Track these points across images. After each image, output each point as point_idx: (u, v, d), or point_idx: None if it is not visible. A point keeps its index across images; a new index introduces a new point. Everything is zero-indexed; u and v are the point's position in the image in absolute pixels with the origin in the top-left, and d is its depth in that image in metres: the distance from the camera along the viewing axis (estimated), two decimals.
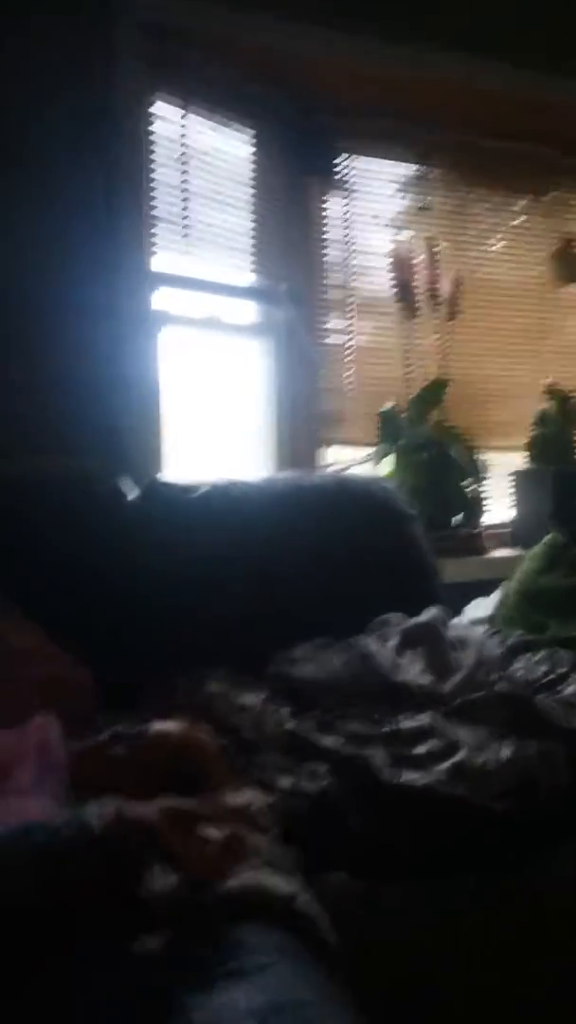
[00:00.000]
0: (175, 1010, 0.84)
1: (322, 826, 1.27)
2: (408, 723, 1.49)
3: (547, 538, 2.31)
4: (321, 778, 1.34)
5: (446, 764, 1.38)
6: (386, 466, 2.83)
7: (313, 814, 1.28)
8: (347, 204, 2.92)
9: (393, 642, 1.76)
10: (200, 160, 2.50)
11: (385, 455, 2.81)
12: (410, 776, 1.35)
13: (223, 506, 1.98)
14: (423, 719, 1.51)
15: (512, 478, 3.07)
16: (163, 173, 2.39)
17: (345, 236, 2.92)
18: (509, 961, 1.24)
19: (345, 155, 2.87)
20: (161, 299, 2.42)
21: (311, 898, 1.07)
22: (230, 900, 1.03)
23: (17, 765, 1.16)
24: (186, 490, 1.99)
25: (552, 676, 1.72)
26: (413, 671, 1.67)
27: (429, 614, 1.90)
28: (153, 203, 2.36)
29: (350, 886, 1.17)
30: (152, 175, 2.36)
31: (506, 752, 1.42)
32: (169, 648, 1.75)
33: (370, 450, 2.89)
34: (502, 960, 1.21)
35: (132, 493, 1.97)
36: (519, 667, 1.77)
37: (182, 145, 2.45)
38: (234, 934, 0.98)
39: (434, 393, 2.88)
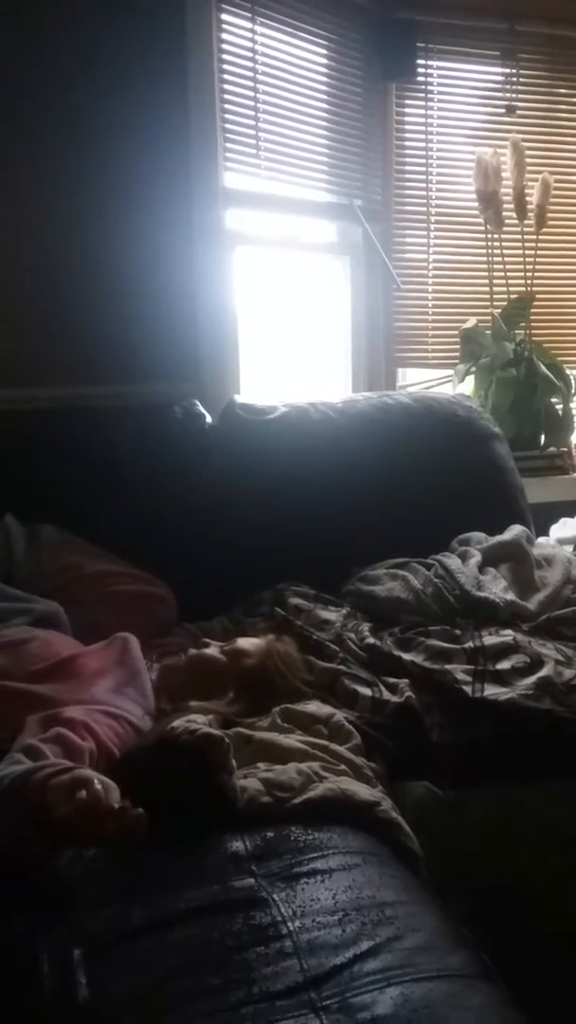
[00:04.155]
0: (261, 903, 0.87)
1: (404, 736, 1.28)
2: (491, 639, 1.47)
3: None
4: (403, 691, 1.34)
5: (531, 679, 1.36)
6: (467, 385, 2.75)
7: (395, 725, 1.29)
8: (428, 111, 2.79)
9: (475, 560, 1.73)
10: (272, 72, 2.41)
11: (467, 374, 2.74)
12: (494, 691, 1.34)
13: (302, 427, 1.97)
14: (506, 635, 1.49)
15: None
16: (235, 87, 2.32)
17: (426, 146, 2.80)
18: None
19: (425, 57, 2.72)
20: (235, 219, 2.38)
21: (393, 805, 1.09)
22: (313, 806, 1.05)
23: (102, 674, 1.24)
24: (264, 412, 1.97)
25: None
26: (496, 588, 1.64)
27: (512, 532, 1.86)
28: (226, 118, 2.30)
29: (432, 793, 1.18)
30: (224, 89, 2.29)
31: None
32: (247, 567, 1.77)
33: (449, 370, 2.82)
34: None
35: (210, 416, 1.98)
36: None
37: (253, 58, 2.36)
38: (318, 837, 1.01)
39: (520, 308, 2.77)
